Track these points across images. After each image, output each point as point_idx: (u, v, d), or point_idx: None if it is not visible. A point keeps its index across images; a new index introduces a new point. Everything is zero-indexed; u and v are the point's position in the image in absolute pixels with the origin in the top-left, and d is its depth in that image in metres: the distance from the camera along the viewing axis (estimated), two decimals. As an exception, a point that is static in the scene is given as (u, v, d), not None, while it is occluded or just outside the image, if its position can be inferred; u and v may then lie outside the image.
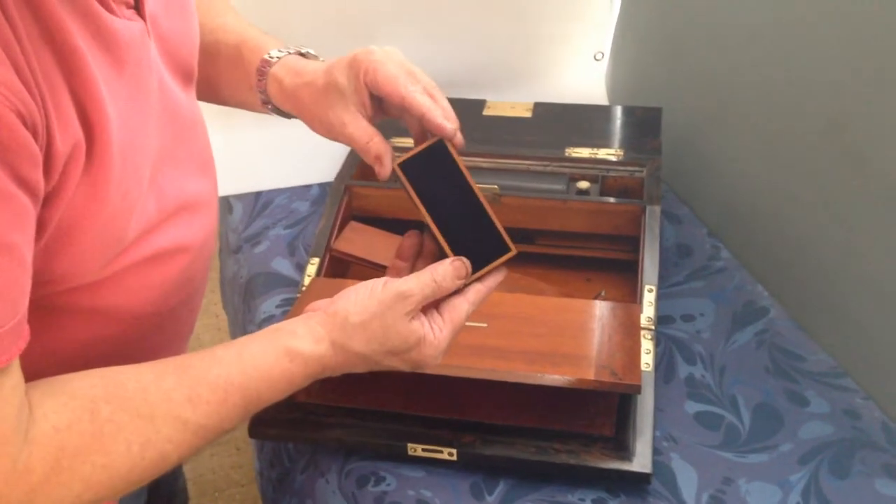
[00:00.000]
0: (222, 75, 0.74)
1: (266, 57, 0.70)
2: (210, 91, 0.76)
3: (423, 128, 0.65)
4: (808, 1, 0.91)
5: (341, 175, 1.05)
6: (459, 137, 0.66)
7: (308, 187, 1.23)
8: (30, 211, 0.47)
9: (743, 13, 1.03)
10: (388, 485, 0.78)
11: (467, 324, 0.79)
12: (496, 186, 0.97)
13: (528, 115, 1.14)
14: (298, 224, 1.15)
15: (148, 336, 0.66)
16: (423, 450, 0.78)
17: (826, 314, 0.93)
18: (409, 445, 0.77)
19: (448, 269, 0.61)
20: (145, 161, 0.58)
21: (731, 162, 1.09)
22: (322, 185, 1.23)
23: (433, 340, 0.61)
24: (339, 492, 0.78)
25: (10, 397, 0.47)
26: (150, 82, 0.59)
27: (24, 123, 0.45)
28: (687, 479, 0.78)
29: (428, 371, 0.65)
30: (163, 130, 0.61)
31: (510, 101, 1.17)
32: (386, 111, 0.67)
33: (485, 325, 0.80)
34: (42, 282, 0.53)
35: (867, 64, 0.84)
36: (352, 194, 1.02)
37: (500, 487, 0.77)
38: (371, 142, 0.63)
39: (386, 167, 0.64)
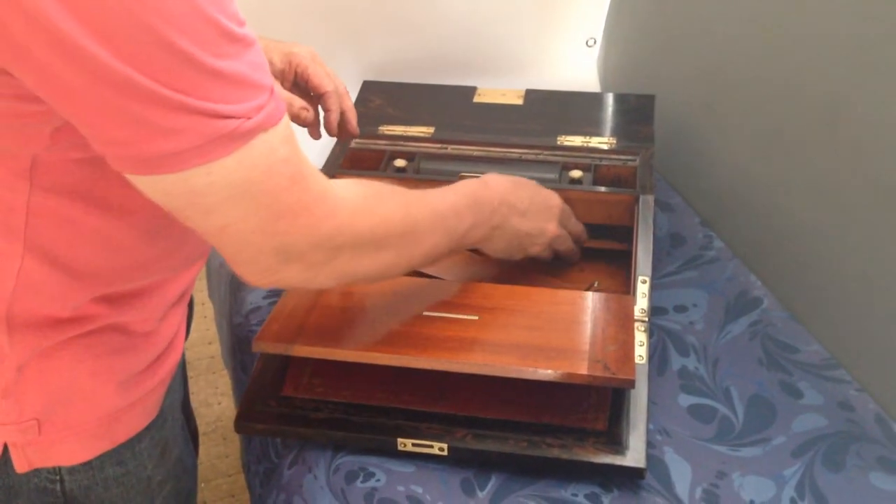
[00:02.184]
0: None
1: None
2: None
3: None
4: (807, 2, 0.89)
5: (328, 165, 1.03)
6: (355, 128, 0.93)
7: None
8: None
9: (738, 5, 1.01)
10: (378, 480, 0.76)
11: (458, 316, 0.78)
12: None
13: (520, 102, 1.13)
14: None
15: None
16: (414, 444, 0.76)
17: (820, 305, 0.92)
18: (399, 440, 0.76)
19: None
20: None
21: (724, 150, 1.08)
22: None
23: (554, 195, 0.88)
24: (327, 487, 0.76)
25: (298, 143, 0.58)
26: None
27: None
28: (680, 473, 0.77)
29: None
30: None
31: (501, 89, 1.15)
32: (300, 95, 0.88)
33: (476, 317, 0.79)
34: None
35: (862, 53, 0.83)
36: (340, 183, 1.00)
37: (492, 482, 0.76)
38: (295, 101, 0.84)
39: (308, 116, 0.86)
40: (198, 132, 0.49)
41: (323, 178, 0.59)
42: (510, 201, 0.81)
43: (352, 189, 0.63)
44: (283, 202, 0.56)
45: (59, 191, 0.59)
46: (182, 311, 0.78)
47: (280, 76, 0.86)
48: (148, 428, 0.74)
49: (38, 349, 0.65)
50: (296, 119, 0.85)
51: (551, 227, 0.85)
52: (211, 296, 1.29)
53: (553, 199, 0.86)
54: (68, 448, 0.69)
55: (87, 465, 0.71)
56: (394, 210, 0.66)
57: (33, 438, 0.68)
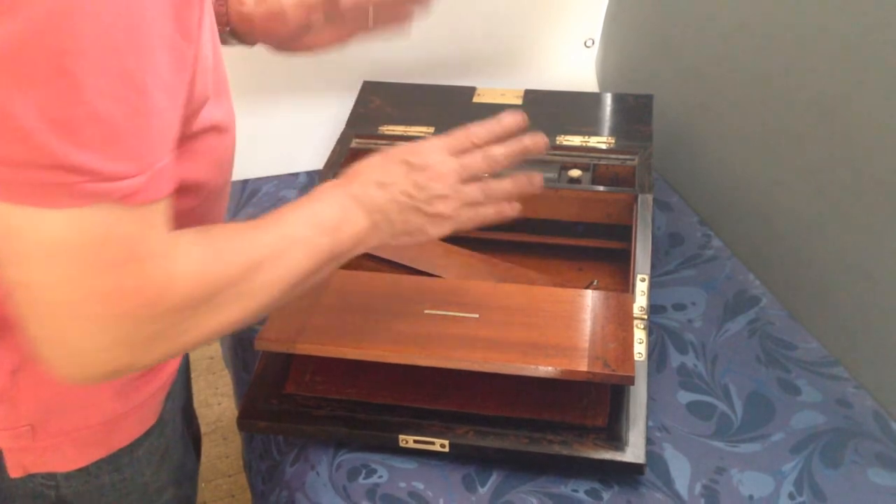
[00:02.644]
0: None
1: None
2: None
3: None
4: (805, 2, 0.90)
5: (330, 163, 1.03)
6: None
7: (295, 175, 1.21)
8: (189, 58, 0.51)
9: (735, 6, 1.02)
10: (380, 477, 0.77)
11: (459, 314, 0.79)
12: (486, 175, 0.96)
13: (519, 102, 1.13)
14: (286, 213, 1.14)
15: (211, 209, 0.69)
16: (415, 441, 0.77)
17: (818, 303, 0.93)
18: (401, 437, 0.77)
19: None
20: (213, 25, 0.61)
21: (722, 149, 1.09)
22: (310, 174, 1.21)
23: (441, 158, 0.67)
24: (329, 484, 0.77)
25: (165, 225, 0.51)
26: None
27: None
28: (680, 468, 0.78)
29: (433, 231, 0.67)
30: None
31: (500, 89, 1.15)
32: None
33: (476, 315, 0.79)
34: None
35: (860, 51, 0.84)
36: (341, 183, 1.01)
37: (493, 479, 0.77)
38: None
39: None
40: (31, 169, 0.43)
41: (165, 259, 0.51)
42: (370, 178, 0.66)
43: (190, 256, 0.54)
44: (107, 280, 0.48)
45: None
46: None
47: (311, 8, 0.79)
48: (147, 434, 0.73)
49: (33, 353, 0.63)
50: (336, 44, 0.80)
51: (433, 173, 0.66)
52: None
53: (420, 146, 0.68)
54: (63, 454, 0.68)
55: (83, 470, 0.70)
56: (230, 265, 0.56)
57: (27, 444, 0.67)
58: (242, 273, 0.56)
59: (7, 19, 0.41)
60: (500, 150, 0.68)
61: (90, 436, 0.69)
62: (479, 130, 0.68)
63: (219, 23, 0.78)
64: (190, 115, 0.58)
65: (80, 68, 0.42)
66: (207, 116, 0.62)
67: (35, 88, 0.42)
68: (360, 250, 0.65)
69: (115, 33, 0.43)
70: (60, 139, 0.43)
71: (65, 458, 0.69)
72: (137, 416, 0.72)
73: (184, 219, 0.63)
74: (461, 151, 0.68)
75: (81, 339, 0.50)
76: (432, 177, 0.66)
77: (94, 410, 0.68)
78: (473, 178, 0.68)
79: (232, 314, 0.56)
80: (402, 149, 0.68)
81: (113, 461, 0.71)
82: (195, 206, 0.65)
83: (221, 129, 0.66)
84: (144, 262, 0.50)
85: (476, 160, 0.68)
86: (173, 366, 0.75)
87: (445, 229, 0.68)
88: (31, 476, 0.69)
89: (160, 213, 0.50)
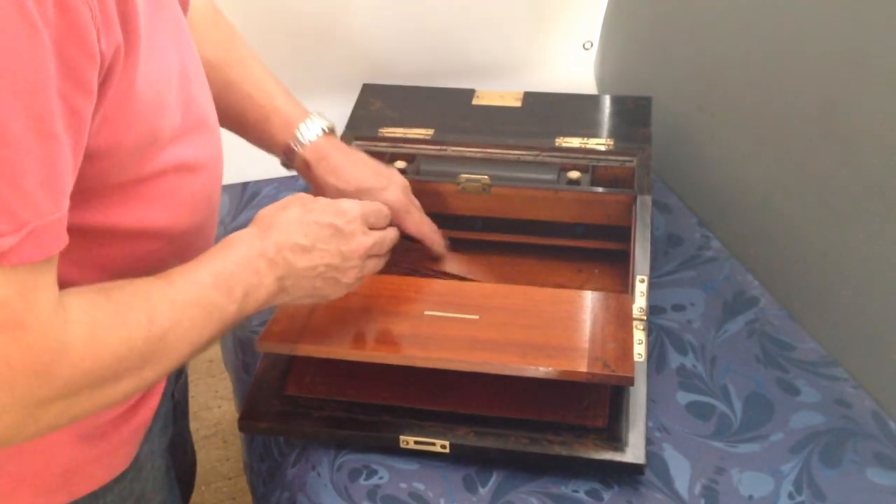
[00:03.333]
0: (241, 121, 0.84)
1: (295, 142, 0.84)
2: (221, 121, 0.80)
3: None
4: (803, 4, 0.91)
5: (330, 166, 1.03)
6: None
7: (295, 178, 1.22)
8: (84, 113, 0.48)
9: (732, 1, 1.02)
10: (381, 478, 0.77)
11: (459, 316, 0.79)
12: (486, 177, 0.97)
13: (518, 104, 1.14)
14: (286, 215, 1.14)
15: (180, 254, 0.66)
16: (416, 442, 0.77)
17: (816, 303, 0.94)
18: (402, 438, 0.77)
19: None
20: (171, 62, 0.59)
21: (720, 151, 1.09)
22: (310, 176, 1.22)
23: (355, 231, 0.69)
24: (330, 485, 0.77)
25: (51, 287, 0.49)
26: None
27: (92, 22, 0.45)
28: (680, 469, 0.78)
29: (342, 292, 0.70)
30: (177, 43, 0.62)
31: (499, 91, 1.16)
32: None
33: (476, 317, 0.80)
34: (86, 178, 0.53)
35: (857, 53, 0.84)
36: (341, 185, 1.01)
37: (493, 479, 0.77)
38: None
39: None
40: None
41: (51, 326, 0.49)
42: (291, 240, 0.65)
43: (83, 320, 0.52)
44: None
45: None
46: None
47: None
48: (117, 480, 0.70)
49: None
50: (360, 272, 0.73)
51: (357, 244, 0.69)
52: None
53: (348, 213, 0.69)
54: (21, 500, 0.65)
55: None
56: (131, 332, 0.54)
57: None
58: (144, 342, 0.54)
59: None
60: (392, 234, 0.75)
61: (49, 482, 0.65)
62: (388, 211, 0.75)
63: (279, 151, 0.85)
64: (137, 157, 0.57)
65: None
66: (170, 156, 0.60)
67: None
68: (262, 309, 0.65)
69: None
70: None
71: None
72: (105, 462, 0.69)
73: (148, 263, 0.61)
74: (374, 227, 0.72)
75: None
76: (355, 248, 0.69)
77: (53, 456, 0.65)
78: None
79: (131, 383, 0.55)
80: (326, 209, 0.68)
81: None
82: (158, 249, 0.63)
83: (191, 169, 0.64)
84: (29, 329, 0.48)
85: (385, 240, 0.73)
86: (148, 409, 0.72)
87: (341, 294, 0.71)
88: None
89: (45, 273, 0.48)
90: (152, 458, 0.75)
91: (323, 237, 0.67)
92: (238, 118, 0.84)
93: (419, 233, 0.87)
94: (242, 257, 0.63)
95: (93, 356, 0.52)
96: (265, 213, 0.68)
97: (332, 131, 0.86)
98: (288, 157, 0.85)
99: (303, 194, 0.70)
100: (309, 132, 0.84)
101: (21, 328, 0.47)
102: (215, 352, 1.98)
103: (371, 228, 0.72)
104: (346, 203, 0.70)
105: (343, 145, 0.87)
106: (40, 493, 0.66)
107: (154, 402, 0.72)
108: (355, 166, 0.85)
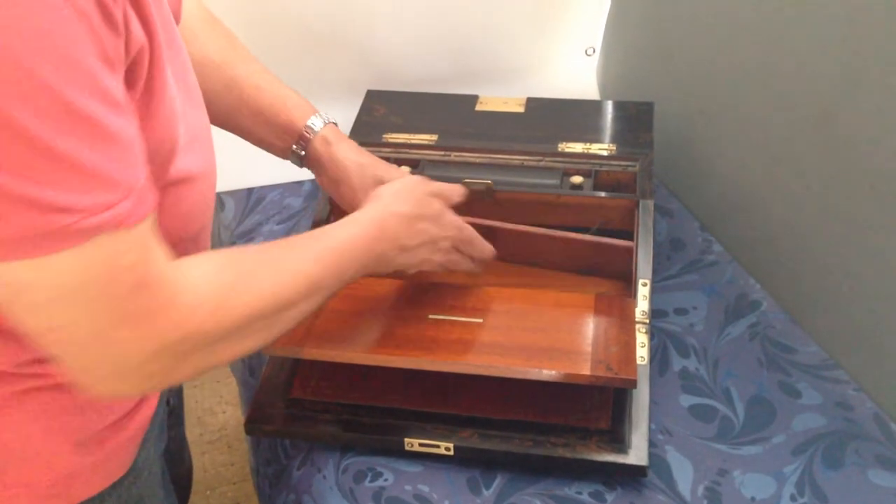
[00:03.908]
0: (249, 120, 0.86)
1: (307, 129, 0.86)
2: (223, 121, 0.86)
3: None
4: (805, 6, 0.91)
5: (335, 171, 1.04)
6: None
7: (300, 183, 1.23)
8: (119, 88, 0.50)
9: (734, 8, 1.03)
10: (386, 480, 0.78)
11: (463, 319, 0.80)
12: (490, 181, 0.97)
13: (521, 110, 1.14)
14: (291, 219, 1.15)
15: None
16: (420, 444, 0.78)
17: (818, 307, 0.94)
18: (406, 440, 0.78)
19: None
20: (182, 72, 0.62)
21: (722, 156, 1.10)
22: (314, 182, 1.22)
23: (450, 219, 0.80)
24: (336, 487, 0.78)
25: (161, 243, 0.53)
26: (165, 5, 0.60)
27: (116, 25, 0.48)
28: (682, 471, 0.78)
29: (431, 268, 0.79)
30: (179, 55, 0.63)
31: (503, 97, 1.17)
32: None
33: (481, 320, 0.81)
34: None
35: (857, 58, 0.85)
36: (345, 190, 1.02)
37: (497, 481, 0.78)
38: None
39: None
40: (25, 221, 0.44)
41: (177, 278, 0.54)
42: (403, 243, 0.75)
43: (212, 282, 0.57)
44: (122, 309, 0.51)
45: None
46: None
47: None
48: (115, 485, 0.70)
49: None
50: (446, 260, 0.81)
51: (435, 258, 0.79)
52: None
53: (448, 229, 0.79)
54: None
55: None
56: (264, 299, 0.60)
57: None
58: (268, 306, 0.61)
59: None
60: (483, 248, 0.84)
61: (48, 488, 0.66)
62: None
63: (288, 155, 0.88)
64: (156, 167, 0.58)
65: (17, 117, 0.42)
66: (180, 168, 0.62)
67: None
68: None
69: (41, 72, 0.42)
70: (36, 188, 0.43)
71: None
72: (103, 468, 0.69)
73: None
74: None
75: (115, 363, 0.52)
76: (443, 227, 0.79)
77: (52, 462, 0.65)
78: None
79: (257, 341, 0.62)
80: (421, 222, 0.77)
81: None
82: None
83: (193, 179, 0.65)
84: (160, 285, 0.52)
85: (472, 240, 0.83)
86: (145, 415, 0.73)
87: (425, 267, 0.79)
88: None
89: (153, 230, 0.52)
90: (149, 464, 0.76)
91: (423, 245, 0.77)
92: (250, 110, 0.85)
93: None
94: (366, 249, 0.71)
95: (223, 315, 0.57)
96: (378, 219, 0.75)
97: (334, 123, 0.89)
98: (303, 140, 0.86)
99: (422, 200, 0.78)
100: (319, 119, 0.87)
101: (153, 285, 0.52)
102: (220, 357, 1.99)
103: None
104: (457, 224, 0.81)
105: None
106: (40, 498, 0.66)
107: (150, 408, 0.73)
108: (364, 150, 0.89)
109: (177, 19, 0.72)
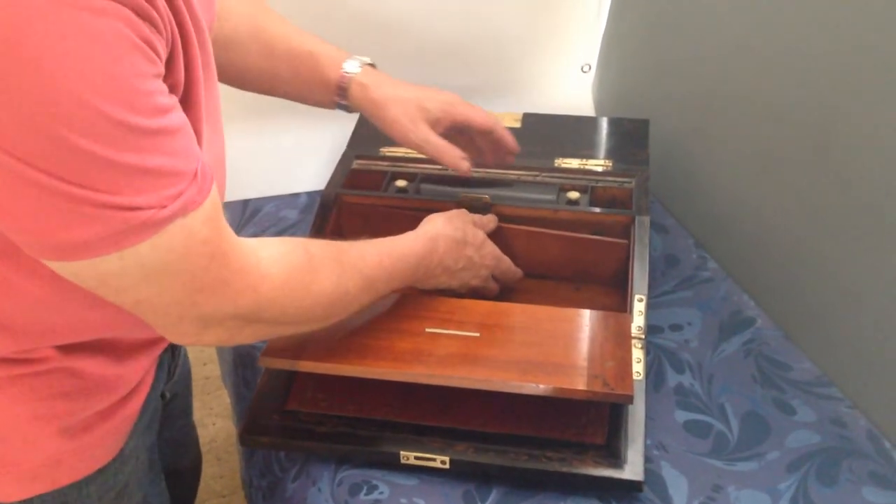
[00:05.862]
0: (289, 76, 0.89)
1: (345, 71, 0.89)
2: (263, 84, 0.89)
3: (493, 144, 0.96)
4: (793, 15, 0.92)
5: (332, 183, 1.05)
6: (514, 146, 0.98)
7: (296, 195, 1.23)
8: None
9: (728, 26, 1.04)
10: (381, 493, 0.78)
11: (460, 333, 0.80)
12: (487, 196, 0.98)
13: (518, 125, 1.15)
14: (287, 231, 1.15)
15: None
16: (416, 458, 0.78)
17: (812, 324, 0.95)
18: (402, 453, 0.78)
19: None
20: (210, 96, 0.65)
21: (717, 173, 1.10)
22: (310, 194, 1.23)
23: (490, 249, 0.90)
24: (331, 500, 0.78)
25: (224, 217, 0.59)
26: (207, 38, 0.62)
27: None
28: (677, 486, 0.79)
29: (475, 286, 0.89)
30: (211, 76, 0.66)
31: (499, 112, 1.17)
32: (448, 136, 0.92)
33: (477, 334, 0.81)
34: None
35: (851, 77, 0.86)
36: (342, 203, 1.02)
37: (493, 495, 0.77)
38: (455, 152, 0.91)
39: (467, 166, 0.92)
40: (106, 224, 0.49)
41: (246, 250, 0.61)
42: (447, 264, 0.83)
43: (280, 262, 0.64)
44: (200, 279, 0.57)
45: None
46: (152, 355, 0.76)
47: (435, 123, 0.90)
48: (100, 472, 0.72)
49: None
50: (455, 168, 0.91)
51: (472, 283, 0.88)
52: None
53: (487, 259, 0.89)
54: (4, 487, 0.67)
55: (25, 502, 0.69)
56: (326, 287, 0.67)
57: None
58: (329, 298, 0.68)
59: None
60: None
61: (32, 470, 0.68)
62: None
63: (332, 101, 0.91)
64: None
65: (85, 144, 0.46)
66: None
67: (61, 165, 0.47)
68: None
69: (103, 106, 0.46)
70: (113, 196, 0.49)
71: (2, 491, 0.68)
72: (88, 454, 0.71)
73: None
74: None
75: (194, 322, 0.60)
76: (483, 257, 0.89)
77: (38, 446, 0.67)
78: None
79: (314, 326, 0.71)
80: (467, 249, 0.87)
81: (59, 496, 0.70)
82: None
83: None
84: (233, 255, 0.59)
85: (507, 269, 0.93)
86: (135, 405, 0.75)
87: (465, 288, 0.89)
88: None
89: (217, 204, 0.57)
90: (137, 452, 0.77)
91: (467, 270, 0.87)
92: (288, 75, 0.88)
93: (487, 121, 0.93)
94: (419, 262, 0.80)
95: (288, 292, 0.64)
96: (432, 240, 0.83)
97: (370, 64, 0.91)
98: (341, 91, 0.89)
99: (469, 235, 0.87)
100: (355, 62, 0.89)
101: (226, 255, 0.58)
102: (210, 369, 1.98)
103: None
104: (495, 253, 0.91)
105: None
106: (23, 480, 0.68)
107: (139, 399, 0.75)
108: (404, 83, 0.91)
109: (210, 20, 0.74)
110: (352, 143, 1.13)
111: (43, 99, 0.44)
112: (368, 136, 1.13)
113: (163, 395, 0.86)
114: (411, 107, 0.89)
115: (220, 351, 1.27)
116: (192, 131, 0.54)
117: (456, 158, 0.90)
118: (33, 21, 0.42)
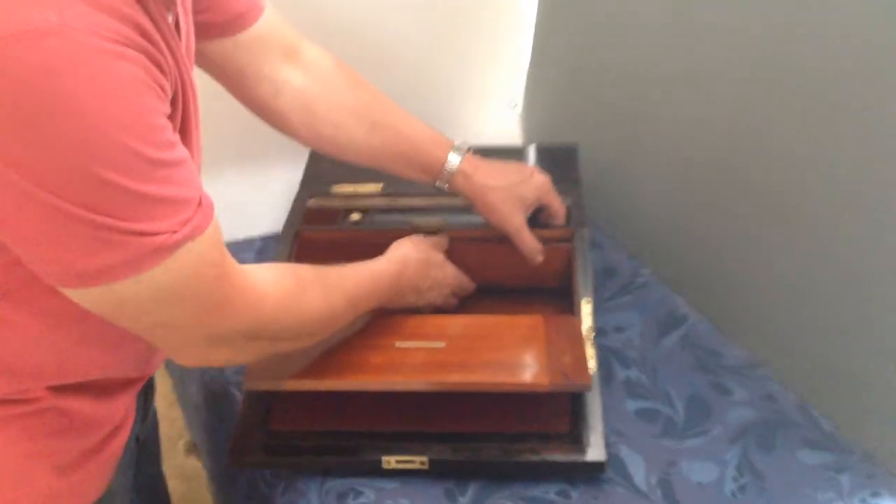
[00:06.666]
0: (393, 162, 0.98)
1: (445, 169, 0.97)
2: (372, 164, 0.98)
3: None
4: (707, 46, 1.04)
5: (290, 221, 1.10)
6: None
7: (252, 240, 1.28)
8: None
9: (647, 55, 1.16)
10: (367, 498, 0.83)
11: (427, 344, 0.87)
12: (443, 221, 1.05)
13: (458, 158, 1.23)
14: (247, 272, 1.19)
15: None
16: (397, 461, 0.83)
17: (738, 316, 1.05)
18: (384, 458, 0.83)
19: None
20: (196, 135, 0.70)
21: (644, 190, 1.21)
22: (264, 238, 1.27)
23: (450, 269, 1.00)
24: (321, 509, 0.83)
25: (222, 240, 0.63)
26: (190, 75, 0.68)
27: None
28: (636, 465, 0.87)
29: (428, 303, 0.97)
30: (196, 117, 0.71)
31: None
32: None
33: (443, 344, 0.87)
34: None
35: (759, 95, 0.98)
36: (302, 238, 1.08)
37: (471, 489, 0.84)
38: (538, 246, 1.02)
39: (541, 259, 1.03)
40: (125, 250, 0.54)
41: (244, 271, 0.66)
42: (416, 283, 0.93)
43: (275, 282, 0.70)
44: (210, 299, 0.62)
45: None
46: (133, 392, 0.79)
47: (528, 208, 1.01)
48: None
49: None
50: (530, 259, 1.02)
51: (437, 302, 0.99)
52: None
53: (449, 279, 0.99)
54: None
55: None
56: (316, 305, 0.75)
57: None
58: (319, 318, 0.76)
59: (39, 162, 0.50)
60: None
61: None
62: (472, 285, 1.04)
63: (436, 178, 0.98)
64: None
65: (111, 176, 0.51)
66: None
67: (90, 197, 0.51)
68: None
69: (128, 141, 0.51)
70: (132, 224, 0.53)
71: None
72: (79, 491, 0.73)
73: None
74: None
75: (204, 340, 0.65)
76: (446, 276, 0.99)
77: (31, 485, 0.69)
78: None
79: (307, 342, 0.78)
80: (432, 269, 0.97)
81: None
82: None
83: None
84: (235, 276, 0.64)
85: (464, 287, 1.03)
86: (119, 441, 0.77)
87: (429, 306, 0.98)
88: None
89: (217, 230, 0.61)
90: (122, 491, 0.80)
91: (434, 289, 0.97)
92: (392, 153, 0.96)
93: (561, 211, 1.05)
94: (391, 284, 0.88)
95: (284, 316, 0.71)
96: (401, 263, 0.91)
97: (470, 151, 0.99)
98: (443, 178, 0.97)
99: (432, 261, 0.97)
100: (457, 155, 0.97)
101: (230, 275, 0.64)
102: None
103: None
104: (455, 274, 1.01)
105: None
106: None
107: (123, 437, 0.77)
108: (502, 168, 1.01)
109: (243, 26, 0.85)
110: (304, 183, 1.19)
111: (77, 136, 0.49)
112: (319, 175, 1.20)
113: (137, 439, 0.88)
114: (510, 195, 0.99)
115: (184, 398, 1.29)
116: (192, 163, 0.59)
117: (535, 251, 1.01)
118: (67, 67, 0.48)
